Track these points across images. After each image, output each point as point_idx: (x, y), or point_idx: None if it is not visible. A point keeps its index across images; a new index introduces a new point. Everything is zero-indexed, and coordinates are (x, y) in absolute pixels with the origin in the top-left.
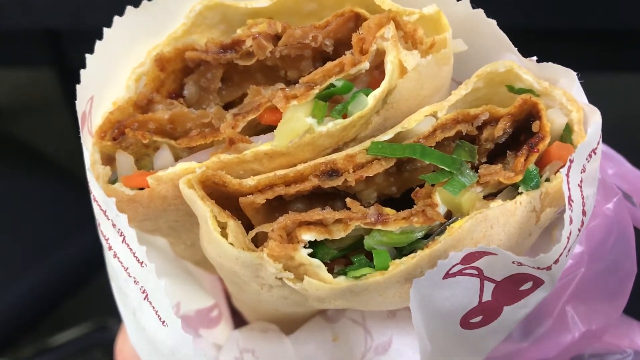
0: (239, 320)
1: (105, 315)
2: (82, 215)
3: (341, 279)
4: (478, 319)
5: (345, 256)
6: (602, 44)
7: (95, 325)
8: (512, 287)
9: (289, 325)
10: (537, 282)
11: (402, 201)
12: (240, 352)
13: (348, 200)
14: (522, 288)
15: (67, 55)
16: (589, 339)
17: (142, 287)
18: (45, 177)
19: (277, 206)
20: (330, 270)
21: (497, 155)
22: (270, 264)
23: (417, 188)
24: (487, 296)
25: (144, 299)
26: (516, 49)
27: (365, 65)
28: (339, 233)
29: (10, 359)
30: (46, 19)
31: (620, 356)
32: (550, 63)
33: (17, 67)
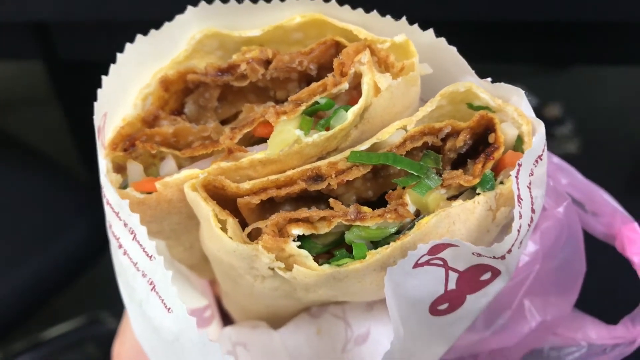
0: (228, 322)
1: (98, 309)
2: (72, 210)
3: (325, 267)
4: (445, 306)
5: (328, 252)
6: (592, 38)
7: (88, 319)
8: (473, 277)
9: (276, 322)
10: (495, 272)
11: (377, 203)
12: (232, 345)
13: (331, 200)
14: (482, 278)
15: (56, 48)
16: (545, 329)
17: (149, 279)
18: (35, 171)
19: (269, 207)
20: (315, 261)
21: (459, 163)
22: (265, 255)
23: (390, 191)
24: (452, 285)
25: (151, 290)
26: (473, 71)
27: (345, 85)
28: (324, 228)
29: (0, 353)
30: (35, 11)
31: (576, 348)
32: (502, 83)
33: (5, 60)
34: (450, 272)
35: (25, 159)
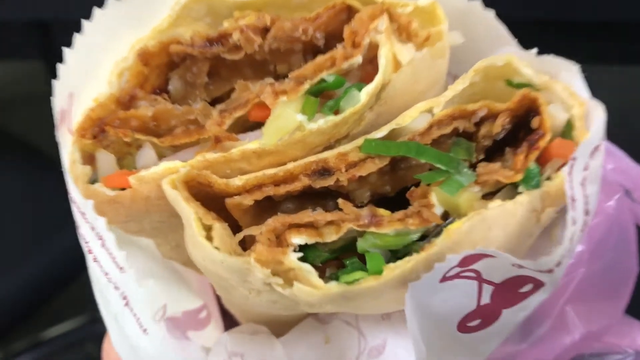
0: (230, 321)
1: (98, 309)
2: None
3: (332, 285)
4: (476, 322)
5: (337, 258)
6: (603, 37)
7: (88, 319)
8: (511, 290)
9: (280, 327)
10: (538, 284)
11: (396, 200)
12: (228, 355)
13: (340, 201)
14: (522, 290)
15: (56, 47)
16: (589, 340)
17: (122, 293)
18: (35, 171)
19: (266, 206)
20: (321, 274)
21: (495, 152)
22: (258, 269)
23: (413, 187)
24: (486, 299)
25: (125, 305)
26: (515, 41)
27: (358, 59)
28: (331, 236)
29: (1, 352)
30: (35, 10)
31: (621, 356)
32: (550, 56)
33: (5, 60)
34: (484, 285)
35: (25, 158)
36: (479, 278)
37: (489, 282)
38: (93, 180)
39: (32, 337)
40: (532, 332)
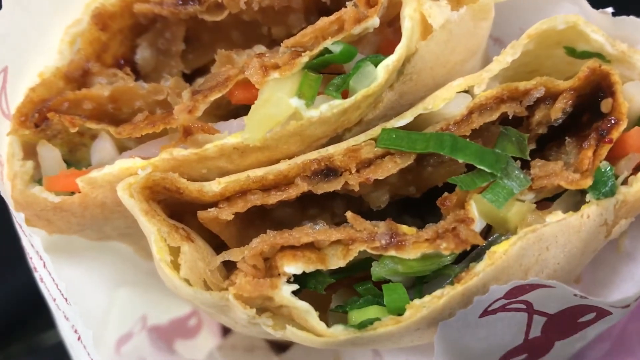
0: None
1: None
2: None
3: (339, 330)
4: (521, 357)
5: (348, 277)
6: None
7: None
8: (568, 320)
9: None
10: (602, 313)
11: (424, 201)
12: None
13: (349, 215)
14: (582, 320)
15: None
16: None
17: (73, 326)
18: None
19: (255, 213)
20: (324, 307)
21: (549, 139)
22: (240, 309)
23: (446, 193)
24: (536, 332)
25: (77, 340)
26: None
27: (374, 21)
28: (337, 261)
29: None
30: None
31: None
32: (631, 17)
33: None
34: (536, 317)
35: None
36: (529, 309)
37: (542, 313)
38: (39, 179)
39: (32, 341)
40: (586, 356)
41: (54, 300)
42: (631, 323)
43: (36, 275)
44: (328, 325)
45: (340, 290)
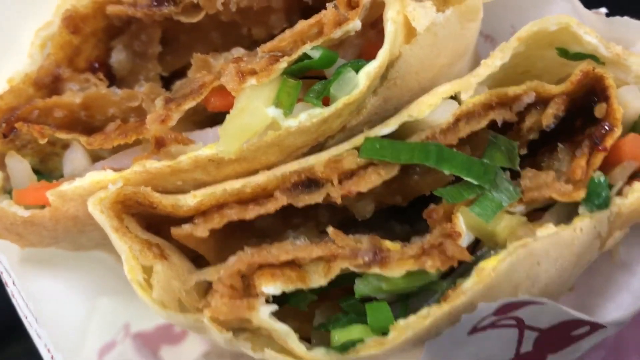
0: None
1: None
2: None
3: (320, 353)
4: None
5: (331, 291)
6: None
7: None
8: (561, 334)
9: None
10: (596, 327)
11: (412, 206)
12: None
13: (331, 230)
14: (575, 333)
15: None
16: None
17: (45, 345)
18: None
19: (236, 223)
20: (306, 325)
21: (541, 144)
22: (216, 332)
23: (432, 205)
24: (527, 347)
25: (51, 359)
26: None
27: (355, 24)
28: (318, 279)
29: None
30: None
31: None
32: (625, 18)
33: None
34: (527, 332)
35: None
36: (520, 325)
37: (533, 329)
38: (9, 190)
39: (28, 342)
40: None
41: (26, 317)
42: (627, 330)
43: (8, 291)
44: (311, 343)
45: (324, 305)
